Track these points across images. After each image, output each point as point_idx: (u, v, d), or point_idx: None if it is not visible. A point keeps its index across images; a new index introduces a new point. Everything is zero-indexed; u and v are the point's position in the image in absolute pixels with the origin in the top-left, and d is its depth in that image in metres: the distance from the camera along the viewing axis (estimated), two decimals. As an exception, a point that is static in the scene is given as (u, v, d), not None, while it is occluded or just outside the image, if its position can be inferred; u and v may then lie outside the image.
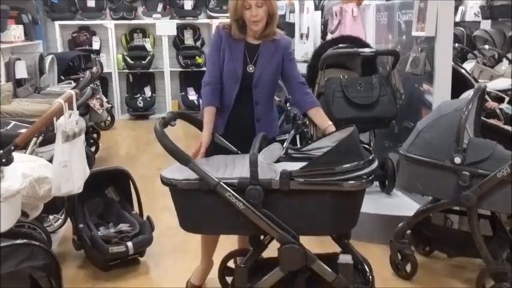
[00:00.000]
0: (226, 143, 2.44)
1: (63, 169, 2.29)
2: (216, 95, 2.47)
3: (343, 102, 3.15)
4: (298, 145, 4.30)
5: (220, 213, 2.07)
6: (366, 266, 2.30)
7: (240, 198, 1.99)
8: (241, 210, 2.00)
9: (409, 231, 2.84)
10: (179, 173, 2.11)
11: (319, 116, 2.46)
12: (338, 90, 3.20)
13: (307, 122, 4.26)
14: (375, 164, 2.04)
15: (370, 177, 2.01)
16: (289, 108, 4.23)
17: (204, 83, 2.51)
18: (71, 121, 2.37)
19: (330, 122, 2.41)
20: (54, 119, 2.33)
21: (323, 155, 2.01)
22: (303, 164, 2.26)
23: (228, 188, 2.00)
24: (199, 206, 2.09)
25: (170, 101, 7.80)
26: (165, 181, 2.12)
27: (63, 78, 5.86)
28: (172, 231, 3.52)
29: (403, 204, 3.43)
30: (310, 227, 2.05)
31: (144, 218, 3.25)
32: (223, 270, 2.64)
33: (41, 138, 2.90)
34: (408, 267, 2.85)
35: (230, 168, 2.25)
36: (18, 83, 4.54)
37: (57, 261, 2.08)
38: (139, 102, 7.59)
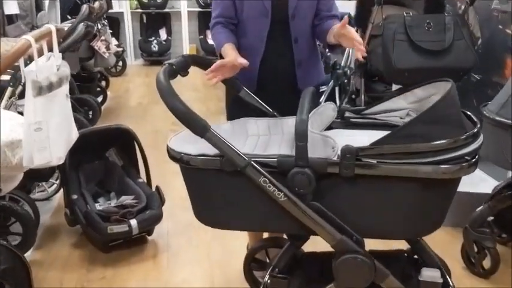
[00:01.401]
0: (257, 99, 1.79)
1: (36, 133, 1.67)
2: (232, 35, 1.82)
3: (407, 48, 2.44)
4: (337, 100, 3.63)
5: (249, 204, 1.45)
6: (446, 274, 1.68)
7: (279, 185, 1.36)
8: (280, 203, 1.37)
9: (491, 218, 2.20)
10: (193, 144, 1.49)
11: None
12: (400, 32, 2.48)
13: (349, 72, 3.56)
14: (481, 140, 1.38)
15: (474, 159, 1.35)
16: (328, 54, 3.53)
17: (212, 24, 1.87)
18: (47, 67, 1.73)
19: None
20: (22, 63, 1.69)
21: (408, 124, 1.35)
22: (368, 133, 1.63)
23: (262, 171, 1.36)
24: (220, 193, 1.47)
25: (188, 45, 7.10)
26: (173, 155, 1.50)
27: (69, 17, 5.20)
28: (187, 202, 2.93)
29: (474, 178, 2.76)
30: (380, 229, 1.42)
31: (153, 188, 2.66)
32: (250, 264, 2.05)
33: (20, 87, 2.29)
34: (486, 262, 2.23)
35: (264, 140, 1.61)
36: (9, 20, 3.88)
37: (27, 265, 1.50)
38: (154, 46, 6.89)
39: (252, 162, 1.36)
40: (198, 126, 1.35)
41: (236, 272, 2.26)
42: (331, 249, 1.50)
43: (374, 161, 1.34)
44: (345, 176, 1.35)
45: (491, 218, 2.21)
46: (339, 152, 1.34)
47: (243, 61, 1.67)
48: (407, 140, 1.32)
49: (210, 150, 1.42)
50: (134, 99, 5.37)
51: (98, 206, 2.56)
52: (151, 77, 6.38)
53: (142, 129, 4.18)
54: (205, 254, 2.44)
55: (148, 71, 6.65)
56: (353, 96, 3.32)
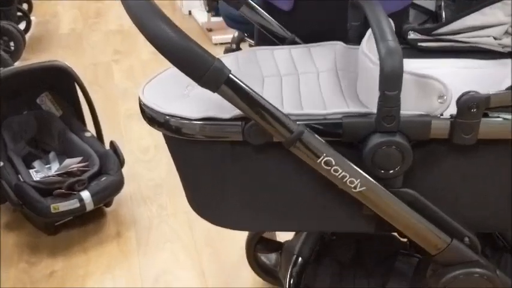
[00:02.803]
0: (267, 17, 1.17)
1: None
2: None
3: None
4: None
5: (289, 194, 0.89)
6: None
7: (354, 168, 0.79)
8: (354, 195, 0.81)
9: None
10: (183, 97, 0.89)
11: None
12: None
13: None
14: None
15: None
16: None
17: None
18: None
19: None
20: None
21: None
22: (448, 63, 1.09)
23: (327, 145, 0.79)
24: (238, 178, 0.89)
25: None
26: (153, 117, 0.88)
27: None
28: (151, 154, 2.34)
29: None
30: (500, 219, 0.90)
31: (107, 144, 2.03)
32: (256, 246, 1.53)
33: None
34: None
35: (290, 84, 1.00)
36: None
37: None
38: (82, -40, 5.85)
39: (308, 130, 0.78)
40: (207, 72, 0.73)
41: (231, 248, 1.74)
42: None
43: (510, 116, 0.80)
44: (459, 144, 0.80)
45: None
46: (451, 103, 0.79)
47: None
48: None
49: (221, 109, 0.82)
50: (65, 24, 4.48)
51: (34, 174, 1.92)
52: (82, -3, 5.43)
53: (79, 63, 3.43)
54: (186, 226, 1.89)
55: (79, -10, 5.66)
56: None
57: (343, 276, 1.32)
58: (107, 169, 1.86)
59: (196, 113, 0.84)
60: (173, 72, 1.02)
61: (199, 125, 0.84)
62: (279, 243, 1.50)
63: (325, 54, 1.10)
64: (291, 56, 1.11)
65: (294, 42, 1.16)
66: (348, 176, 0.79)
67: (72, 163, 1.86)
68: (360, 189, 0.80)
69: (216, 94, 0.76)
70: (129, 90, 2.99)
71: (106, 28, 4.18)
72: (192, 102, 0.88)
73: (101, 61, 3.56)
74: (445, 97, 0.79)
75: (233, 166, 0.88)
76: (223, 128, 0.83)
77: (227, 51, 3.20)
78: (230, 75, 0.74)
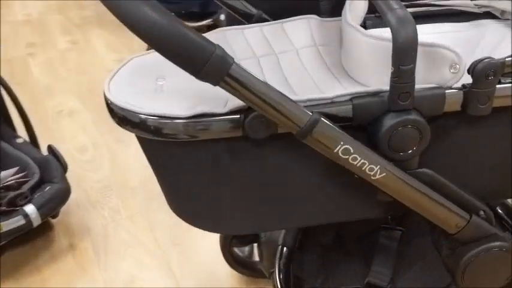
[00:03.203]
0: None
1: None
2: None
3: None
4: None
5: (299, 189, 0.81)
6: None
7: (373, 155, 0.72)
8: (373, 182, 0.75)
9: None
10: (157, 93, 0.78)
11: None
12: None
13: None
14: None
15: None
16: None
17: None
18: None
19: None
20: None
21: None
22: (424, 29, 1.06)
23: (344, 133, 0.71)
24: (240, 178, 0.79)
25: None
26: (126, 118, 0.76)
27: None
28: (89, 153, 2.15)
29: None
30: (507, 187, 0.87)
31: (43, 149, 1.82)
32: (232, 241, 1.44)
33: None
34: None
35: (270, 65, 0.91)
36: None
37: None
38: None
39: (323, 118, 0.69)
40: (207, 62, 0.62)
41: (200, 244, 1.64)
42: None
43: (523, 80, 0.76)
44: (473, 115, 0.75)
45: None
46: (464, 71, 0.73)
47: None
48: None
49: (211, 103, 0.72)
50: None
51: (-36, 193, 1.69)
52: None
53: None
54: (145, 227, 1.75)
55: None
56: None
57: (326, 263, 1.28)
58: (50, 177, 1.67)
59: (183, 110, 0.73)
60: (137, 63, 0.90)
61: (190, 124, 0.72)
62: (255, 234, 1.42)
63: (300, 29, 1.02)
64: (263, 35, 1.01)
65: (262, 19, 1.06)
66: (367, 163, 0.72)
67: (8, 175, 1.65)
68: (380, 176, 0.73)
69: (197, 85, 0.66)
70: (52, 86, 2.74)
71: (12, 19, 3.80)
72: (171, 97, 0.77)
73: (15, 56, 3.23)
74: (458, 66, 0.73)
75: (229, 166, 0.78)
76: (219, 124, 0.72)
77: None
78: (234, 63, 0.63)
